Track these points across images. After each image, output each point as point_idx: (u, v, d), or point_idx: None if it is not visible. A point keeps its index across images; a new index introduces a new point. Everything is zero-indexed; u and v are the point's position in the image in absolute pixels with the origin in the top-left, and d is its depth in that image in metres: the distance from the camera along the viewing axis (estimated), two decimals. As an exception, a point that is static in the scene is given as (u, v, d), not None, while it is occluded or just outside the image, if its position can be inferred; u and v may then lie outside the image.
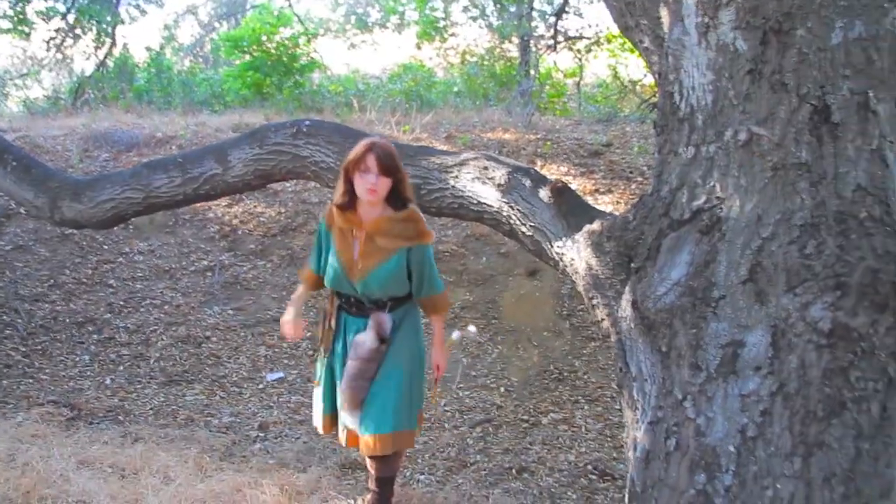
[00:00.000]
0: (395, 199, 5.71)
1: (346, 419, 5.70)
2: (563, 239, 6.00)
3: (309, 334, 9.52)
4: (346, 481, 6.63)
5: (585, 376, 9.33)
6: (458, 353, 9.40)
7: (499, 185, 6.43)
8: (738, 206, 4.99)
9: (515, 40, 21.79)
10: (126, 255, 11.38)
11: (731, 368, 4.92)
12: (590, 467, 7.58)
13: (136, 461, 6.43)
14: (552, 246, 6.11)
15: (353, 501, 5.92)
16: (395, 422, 5.60)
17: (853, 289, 4.76)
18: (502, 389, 9.17)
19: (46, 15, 19.97)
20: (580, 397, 8.80)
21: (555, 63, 20.74)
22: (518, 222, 6.34)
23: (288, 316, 6.06)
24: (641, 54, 6.15)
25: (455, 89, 20.42)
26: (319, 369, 6.03)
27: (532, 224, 6.24)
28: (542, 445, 8.01)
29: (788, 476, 4.81)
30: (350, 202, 5.67)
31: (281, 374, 9.19)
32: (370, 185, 5.49)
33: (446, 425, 8.44)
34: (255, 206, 11.88)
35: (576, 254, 5.87)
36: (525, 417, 8.57)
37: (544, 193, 6.21)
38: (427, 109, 16.49)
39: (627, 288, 5.45)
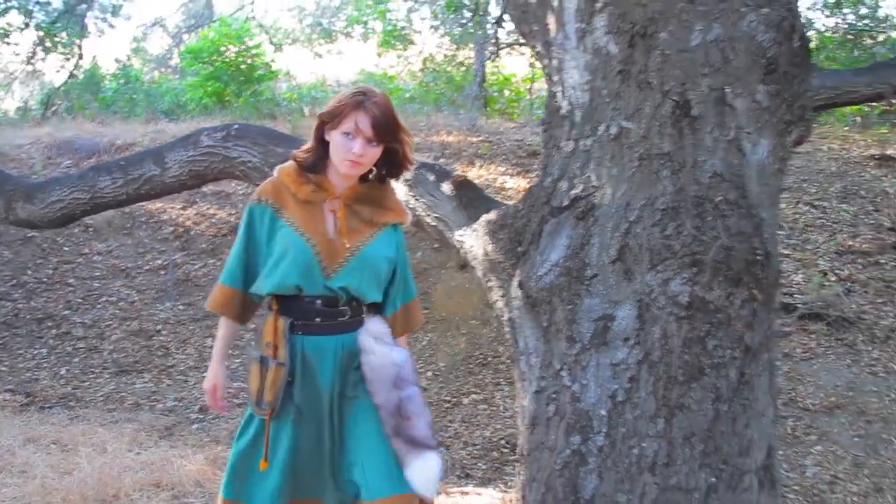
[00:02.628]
0: (387, 171, 4.10)
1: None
2: (464, 228, 6.34)
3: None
4: (273, 456, 6.94)
5: (507, 360, 9.66)
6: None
7: (406, 181, 6.76)
8: (610, 193, 5.33)
9: (473, 46, 22.14)
10: (85, 255, 11.67)
11: (603, 340, 5.27)
12: (503, 442, 7.92)
13: (77, 437, 6.74)
14: (453, 234, 6.46)
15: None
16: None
17: (708, 265, 5.12)
18: (430, 374, 9.49)
19: (5, 33, 20.14)
20: (501, 380, 9.13)
21: (498, 68, 21.15)
22: (423, 214, 6.69)
23: (211, 377, 4.05)
24: (537, 58, 6.50)
25: (407, 95, 20.77)
26: (256, 437, 3.86)
27: (436, 215, 6.59)
28: (461, 423, 8.33)
29: (653, 436, 5.16)
30: (319, 162, 3.92)
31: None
32: (353, 156, 3.77)
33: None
34: (207, 208, 12.20)
35: (474, 241, 6.20)
36: (448, 398, 8.89)
37: (447, 187, 6.57)
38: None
39: (517, 271, 5.80)
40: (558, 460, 5.36)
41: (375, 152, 3.83)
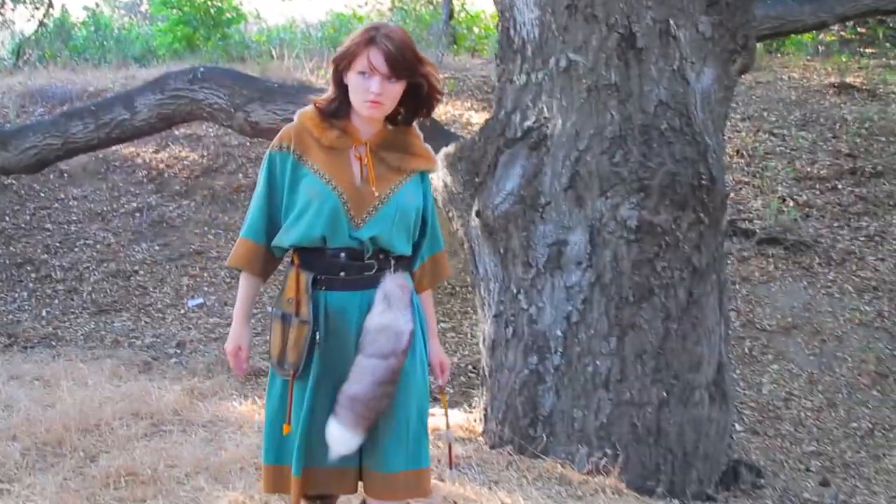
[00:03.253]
0: (413, 110, 3.59)
1: (340, 445, 3.40)
2: (424, 162, 6.53)
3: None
4: (249, 386, 7.17)
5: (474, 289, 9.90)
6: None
7: (368, 116, 6.96)
8: (560, 124, 5.53)
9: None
10: (61, 200, 11.78)
11: (557, 264, 5.50)
12: (470, 367, 8.14)
13: (59, 373, 6.92)
14: (414, 168, 6.65)
15: (251, 401, 6.43)
16: (427, 454, 3.59)
17: (655, 190, 5.34)
18: (400, 305, 9.71)
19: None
20: (469, 309, 9.30)
21: (464, 6, 21.19)
22: (385, 148, 6.88)
23: (234, 338, 3.63)
24: (492, -5, 6.65)
25: (374, 35, 20.80)
26: (282, 399, 3.53)
27: (397, 149, 6.78)
28: (430, 351, 8.54)
29: (606, 354, 5.41)
30: (341, 107, 3.50)
31: (200, 301, 9.68)
32: (372, 96, 3.35)
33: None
34: (179, 151, 12.30)
35: (435, 173, 6.40)
36: (417, 328, 9.08)
37: (407, 122, 6.76)
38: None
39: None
40: (517, 380, 5.60)
41: (396, 89, 3.38)
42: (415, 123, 3.60)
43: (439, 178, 6.29)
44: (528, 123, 5.68)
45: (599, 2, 5.42)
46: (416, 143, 3.57)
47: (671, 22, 5.48)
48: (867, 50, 16.35)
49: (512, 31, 5.84)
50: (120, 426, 5.63)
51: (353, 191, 3.41)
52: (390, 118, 3.51)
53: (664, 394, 5.46)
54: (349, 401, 3.30)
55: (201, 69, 7.56)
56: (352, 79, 3.35)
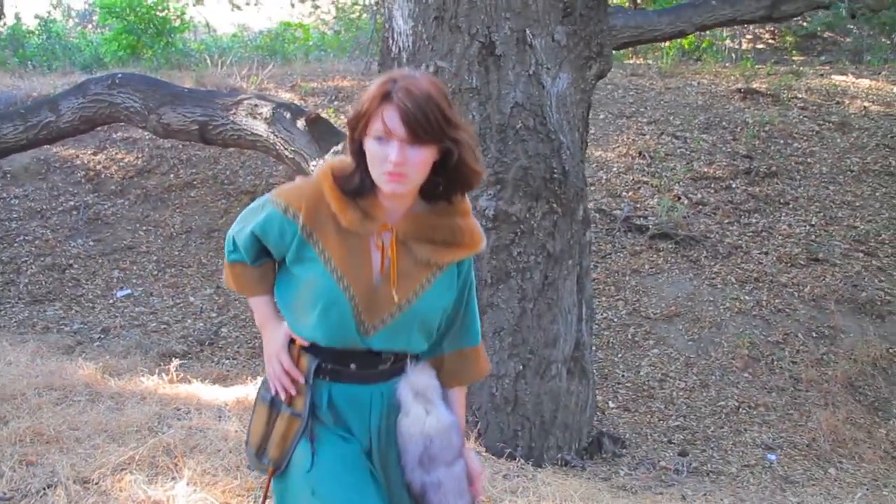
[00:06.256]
0: (447, 185, 2.74)
1: None
2: (317, 158, 7.01)
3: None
4: (162, 365, 7.55)
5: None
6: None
7: (265, 119, 7.45)
8: (429, 123, 6.02)
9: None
10: (3, 199, 12.09)
11: (424, 249, 5.98)
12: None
13: (-16, 354, 7.35)
14: (308, 165, 7.12)
15: (161, 378, 6.83)
16: None
17: (509, 183, 5.86)
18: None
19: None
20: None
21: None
22: (282, 147, 7.36)
23: (271, 351, 2.90)
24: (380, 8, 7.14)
25: (310, 43, 21.21)
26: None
27: (293, 149, 7.26)
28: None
29: (466, 329, 5.89)
30: (365, 183, 2.68)
31: (128, 291, 10.09)
32: (391, 166, 2.57)
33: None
34: (116, 153, 12.64)
35: (325, 170, 6.87)
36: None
37: (301, 123, 7.24)
38: (283, 63, 17.40)
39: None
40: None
41: (421, 157, 2.59)
42: (464, 197, 2.81)
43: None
44: (402, 123, 6.15)
45: (463, 13, 5.90)
46: (459, 227, 2.79)
47: (528, 31, 5.97)
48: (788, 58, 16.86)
49: (391, 41, 6.31)
50: (33, 396, 6.03)
51: (369, 292, 2.73)
52: (427, 191, 2.75)
53: (521, 367, 5.95)
54: None
55: (119, 75, 8.06)
56: (369, 146, 2.60)
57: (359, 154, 2.64)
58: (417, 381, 2.83)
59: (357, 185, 2.66)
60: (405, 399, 2.81)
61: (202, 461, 4.86)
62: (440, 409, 2.83)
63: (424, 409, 2.80)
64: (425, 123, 2.53)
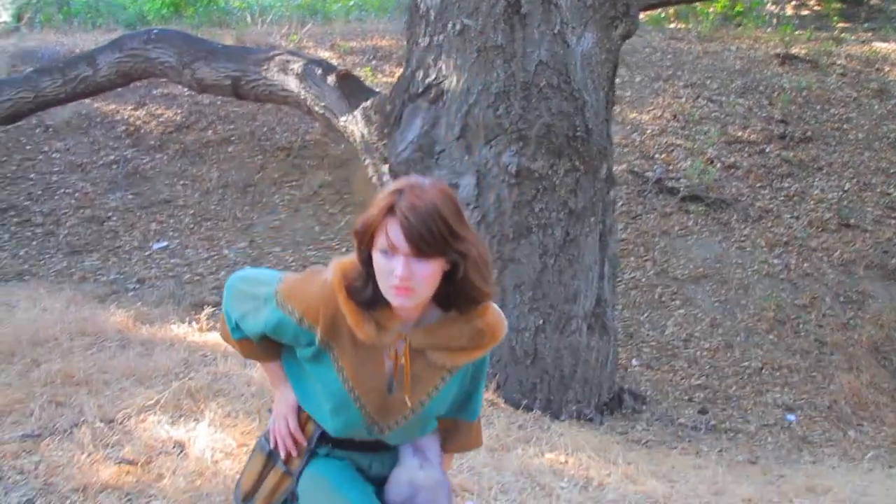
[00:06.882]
0: (455, 297, 2.60)
1: None
2: (346, 115, 7.10)
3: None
4: (194, 315, 7.69)
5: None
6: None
7: (297, 75, 7.54)
8: (455, 80, 6.10)
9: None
10: (45, 153, 12.25)
11: (448, 204, 6.08)
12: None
13: (21, 299, 7.51)
14: (338, 121, 7.22)
15: (191, 326, 6.98)
16: None
17: (532, 140, 5.93)
18: (344, 249, 10.23)
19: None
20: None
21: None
22: (313, 103, 7.45)
23: (279, 410, 2.94)
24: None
25: (350, 3, 21.26)
26: None
27: (323, 104, 7.35)
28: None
29: (487, 283, 5.98)
30: (377, 294, 2.57)
31: (165, 243, 10.25)
32: (397, 280, 2.48)
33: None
34: (155, 109, 12.76)
35: (354, 126, 6.96)
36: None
37: (331, 79, 7.33)
38: (323, 22, 17.47)
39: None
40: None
41: (428, 270, 2.48)
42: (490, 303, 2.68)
43: (357, 129, 6.87)
44: (428, 80, 6.24)
45: (490, -28, 5.97)
46: (477, 330, 2.66)
47: (553, -10, 6.04)
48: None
49: (419, 0, 6.39)
50: (66, 340, 6.20)
51: (381, 401, 2.71)
52: (441, 299, 2.63)
53: (541, 321, 6.04)
54: None
55: (155, 31, 8.20)
56: (376, 258, 2.51)
57: (368, 264, 2.54)
58: (421, 441, 2.86)
59: (370, 297, 2.57)
60: (404, 453, 2.84)
61: (224, 404, 5.00)
62: (435, 468, 2.85)
63: (419, 464, 2.83)
64: (429, 238, 2.43)
